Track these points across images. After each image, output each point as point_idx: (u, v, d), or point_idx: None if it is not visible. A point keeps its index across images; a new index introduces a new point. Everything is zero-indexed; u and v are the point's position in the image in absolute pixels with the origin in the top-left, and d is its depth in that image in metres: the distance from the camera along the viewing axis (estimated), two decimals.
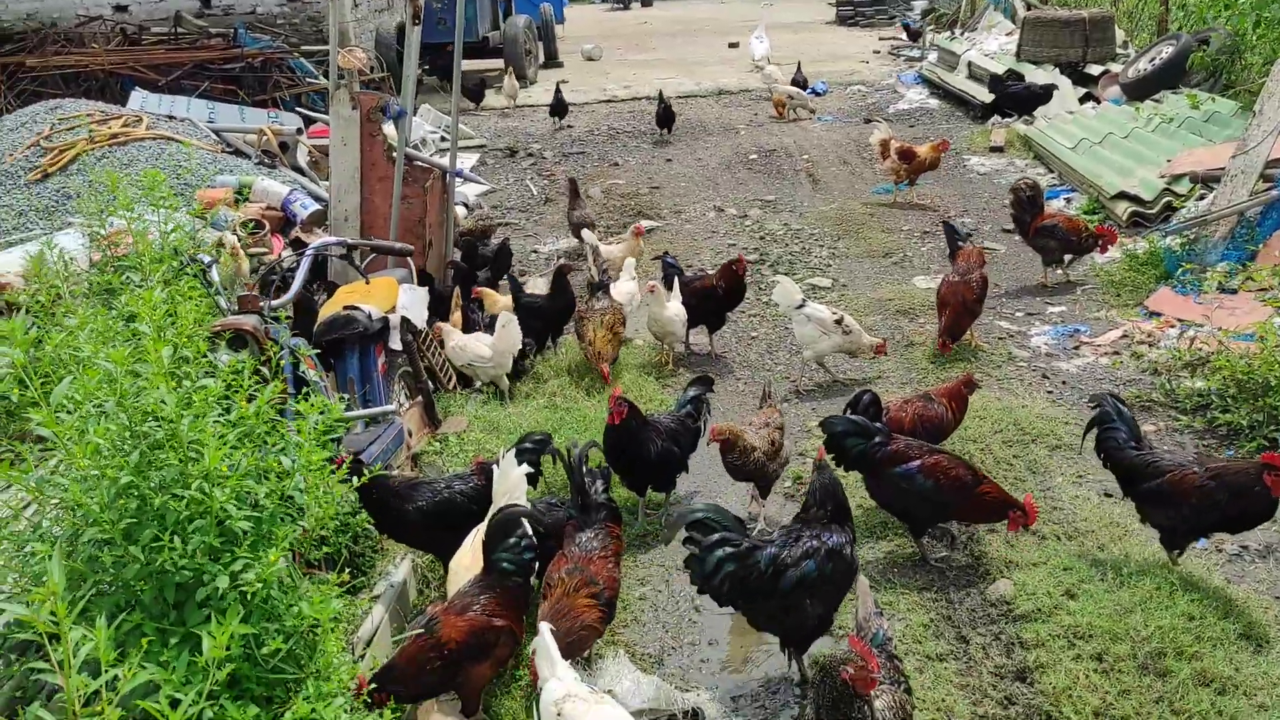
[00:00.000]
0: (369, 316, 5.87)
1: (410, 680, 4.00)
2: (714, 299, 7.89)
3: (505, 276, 8.97)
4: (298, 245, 11.23)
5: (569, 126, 17.01)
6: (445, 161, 9.97)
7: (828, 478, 4.56)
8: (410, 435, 6.32)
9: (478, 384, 7.50)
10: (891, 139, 11.58)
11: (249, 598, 3.64)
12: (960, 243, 7.86)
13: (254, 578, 3.51)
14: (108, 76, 17.81)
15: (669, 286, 7.96)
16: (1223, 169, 8.85)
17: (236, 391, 4.17)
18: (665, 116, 15.92)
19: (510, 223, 12.67)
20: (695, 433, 6.00)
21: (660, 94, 16.25)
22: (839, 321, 7.22)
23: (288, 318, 5.43)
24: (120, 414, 3.58)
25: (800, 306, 7.33)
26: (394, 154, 9.12)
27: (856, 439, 5.26)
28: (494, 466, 4.85)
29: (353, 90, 9.09)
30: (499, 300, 7.93)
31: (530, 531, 4.44)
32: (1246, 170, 8.44)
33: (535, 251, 11.55)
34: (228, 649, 3.49)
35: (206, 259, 5.10)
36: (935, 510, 5.19)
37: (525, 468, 4.66)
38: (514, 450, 4.96)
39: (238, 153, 13.92)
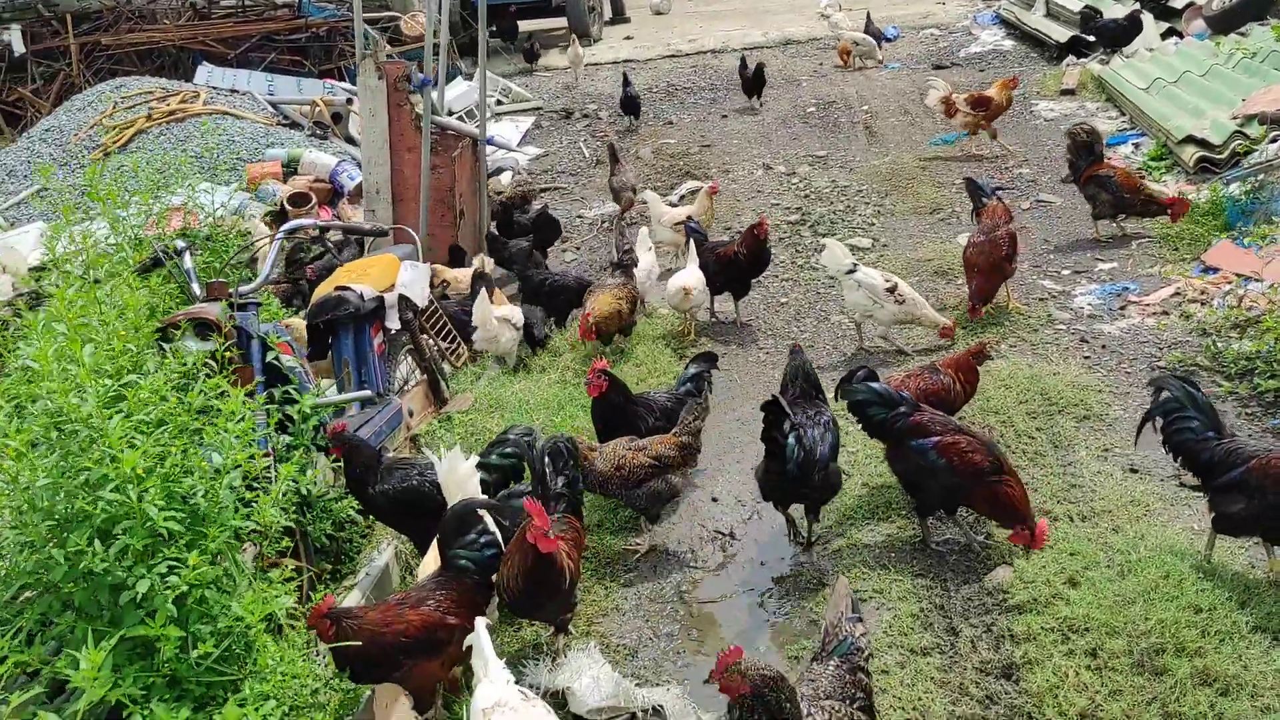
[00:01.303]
0: (361, 296, 5.79)
1: (359, 660, 3.92)
2: (736, 266, 7.62)
3: (535, 251, 8.72)
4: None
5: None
6: (475, 128, 9.84)
7: (800, 359, 5.34)
8: (411, 416, 6.25)
9: (490, 358, 7.43)
10: (952, 94, 10.99)
11: (186, 599, 3.61)
12: (985, 199, 7.39)
13: (178, 580, 3.46)
14: (179, 51, 18.07)
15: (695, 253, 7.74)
16: None
17: (189, 387, 4.15)
18: (754, 81, 14.17)
19: (559, 187, 12.51)
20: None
21: (743, 59, 14.55)
22: (892, 289, 6.86)
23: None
24: (43, 416, 3.55)
25: (851, 272, 7.00)
26: (421, 123, 9.04)
27: (879, 409, 4.98)
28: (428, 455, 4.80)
29: (378, 59, 9.00)
30: (461, 279, 7.61)
31: (492, 526, 4.31)
32: None
33: (580, 217, 11.38)
34: (156, 650, 3.50)
35: (180, 244, 5.05)
36: (945, 492, 4.89)
37: (474, 458, 4.52)
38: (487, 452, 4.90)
39: (293, 125, 14.03)
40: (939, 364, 5.68)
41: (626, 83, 14.24)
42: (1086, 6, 14.53)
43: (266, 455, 4.58)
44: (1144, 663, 3.99)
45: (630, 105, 14.13)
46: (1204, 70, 10.97)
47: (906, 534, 5.11)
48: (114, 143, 12.90)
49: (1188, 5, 14.05)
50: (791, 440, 4.76)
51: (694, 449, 5.24)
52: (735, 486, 5.75)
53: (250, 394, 4.62)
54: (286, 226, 5.20)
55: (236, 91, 14.87)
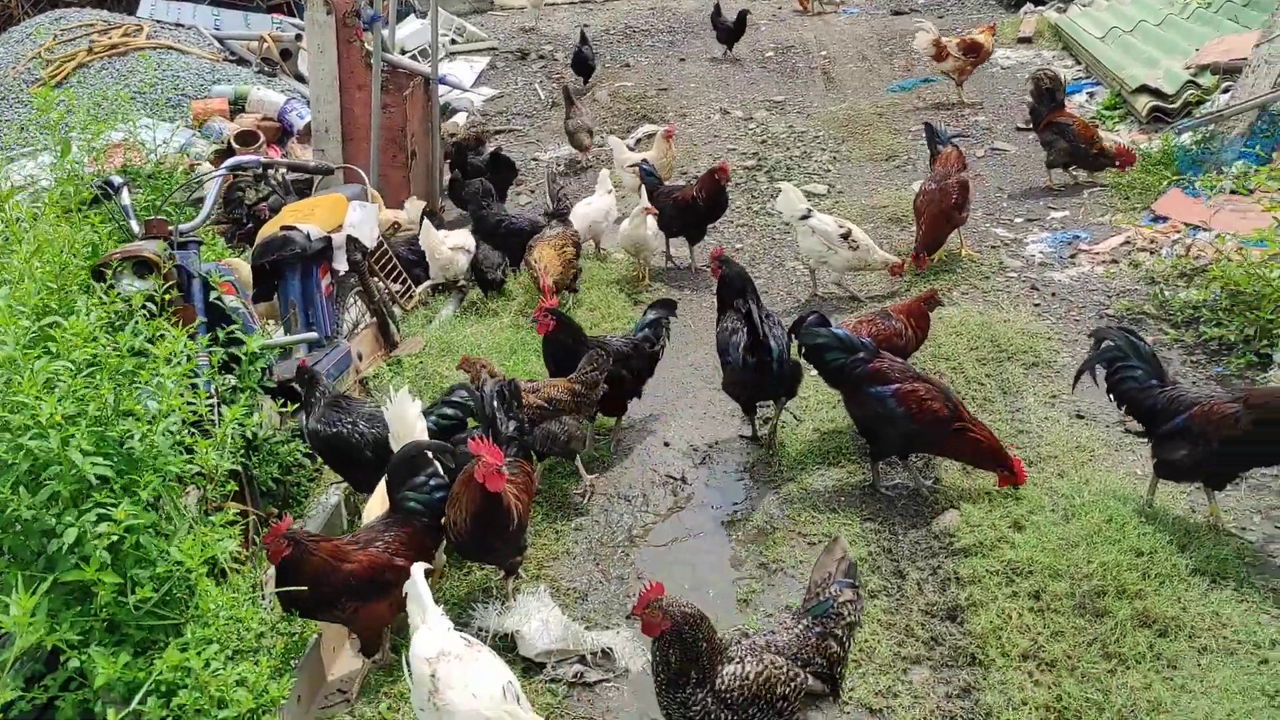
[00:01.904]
0: (308, 237, 5.67)
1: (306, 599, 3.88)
2: (694, 211, 7.56)
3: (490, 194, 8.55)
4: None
5: (585, 26, 16.44)
6: (427, 67, 9.62)
7: (735, 267, 5.71)
8: (360, 359, 6.16)
9: (448, 303, 7.35)
10: (942, 38, 10.89)
11: (121, 544, 3.54)
12: (940, 146, 7.37)
13: (107, 529, 3.38)
14: None
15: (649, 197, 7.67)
16: (1246, 59, 8.21)
17: (120, 328, 4.04)
18: (735, 30, 13.43)
19: (514, 129, 12.33)
20: (651, 358, 5.74)
21: (718, 6, 13.73)
22: (846, 235, 6.84)
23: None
24: None
25: (805, 217, 6.97)
26: (371, 61, 8.82)
27: (838, 353, 4.96)
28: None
29: None
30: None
31: (440, 470, 4.27)
32: (1270, 60, 7.81)
33: (535, 159, 11.23)
34: (93, 596, 3.43)
35: (117, 180, 4.90)
36: (903, 439, 4.91)
37: (419, 403, 4.45)
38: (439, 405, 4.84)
39: (241, 61, 13.66)
40: (891, 309, 5.68)
41: (583, 40, 13.11)
42: None
43: (210, 398, 4.50)
44: (1085, 605, 4.05)
45: (581, 64, 13.00)
46: (1159, 20, 11.00)
47: (856, 479, 5.13)
48: (52, 77, 12.49)
49: None
50: (772, 342, 5.11)
51: (588, 399, 5.15)
52: (688, 431, 5.75)
53: (192, 335, 4.53)
54: (229, 163, 5.04)
55: (182, 26, 14.43)
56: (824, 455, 5.34)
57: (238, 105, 11.90)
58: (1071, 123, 8.19)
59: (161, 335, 4.00)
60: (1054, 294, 6.75)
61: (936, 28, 11.29)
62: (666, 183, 8.24)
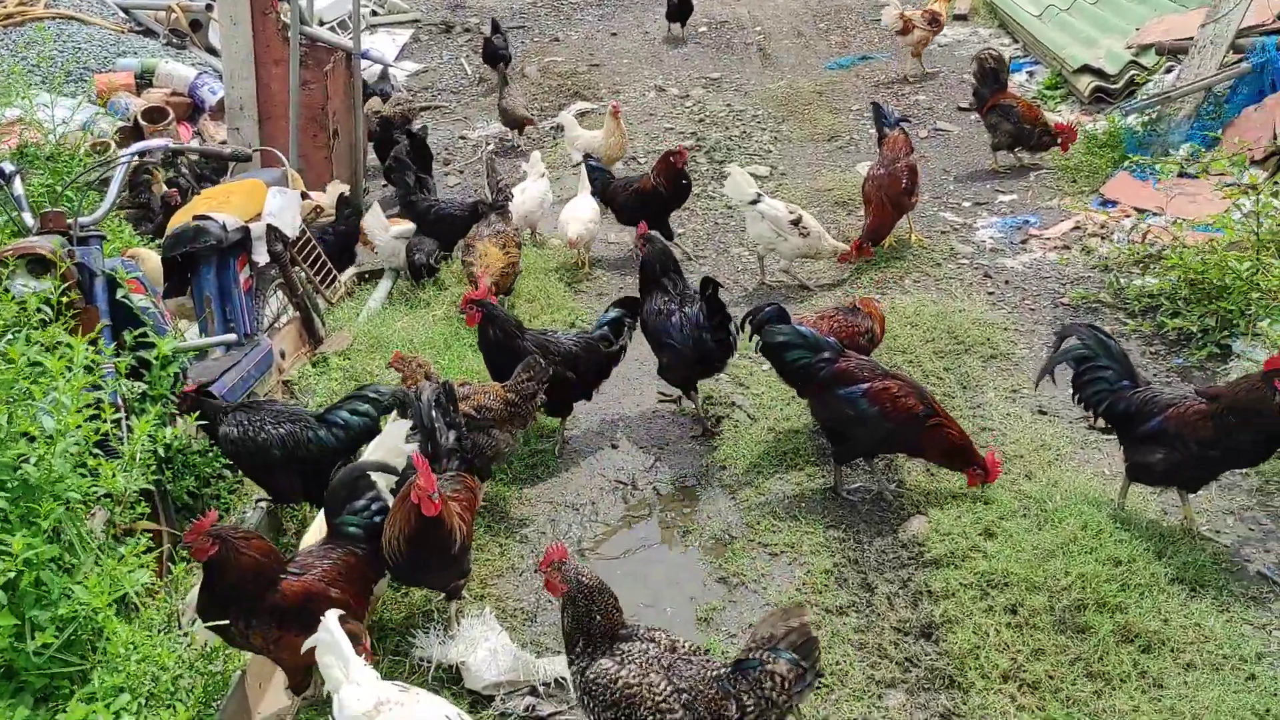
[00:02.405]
0: (223, 227, 5.22)
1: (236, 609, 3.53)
2: (657, 199, 7.15)
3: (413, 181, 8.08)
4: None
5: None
6: (349, 41, 9.12)
7: (660, 244, 5.59)
8: (284, 357, 5.75)
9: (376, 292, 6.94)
10: (905, 10, 10.62)
11: (19, 581, 3.14)
12: (887, 129, 7.11)
13: (2, 566, 2.99)
14: None
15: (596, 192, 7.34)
16: (1191, 39, 8.12)
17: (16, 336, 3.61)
18: (682, 7, 12.73)
19: (439, 106, 11.86)
20: (606, 358, 5.38)
21: None
22: (796, 221, 6.57)
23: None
24: None
25: (755, 202, 6.67)
26: (289, 34, 8.30)
27: (801, 352, 4.67)
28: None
29: None
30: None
31: (385, 494, 3.91)
32: (1216, 40, 7.72)
33: (463, 138, 10.78)
34: None
35: (9, 168, 4.41)
36: (876, 440, 4.65)
37: (411, 443, 4.09)
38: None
39: (148, 32, 12.93)
40: (860, 303, 5.40)
41: (494, 29, 11.88)
42: None
43: (116, 411, 4.08)
44: (1065, 620, 3.85)
45: (491, 55, 11.74)
46: None
47: (817, 483, 4.88)
48: None
49: None
50: (733, 326, 5.15)
51: (522, 411, 4.71)
52: (636, 432, 5.45)
53: (95, 341, 4.10)
54: (134, 148, 4.59)
55: None
56: (781, 457, 5.08)
57: (145, 80, 11.21)
58: (1016, 104, 8.03)
59: (58, 344, 3.59)
60: (1007, 281, 6.57)
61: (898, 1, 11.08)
62: (618, 164, 7.93)
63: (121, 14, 13.05)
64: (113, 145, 9.52)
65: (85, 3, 13.09)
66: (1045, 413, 5.25)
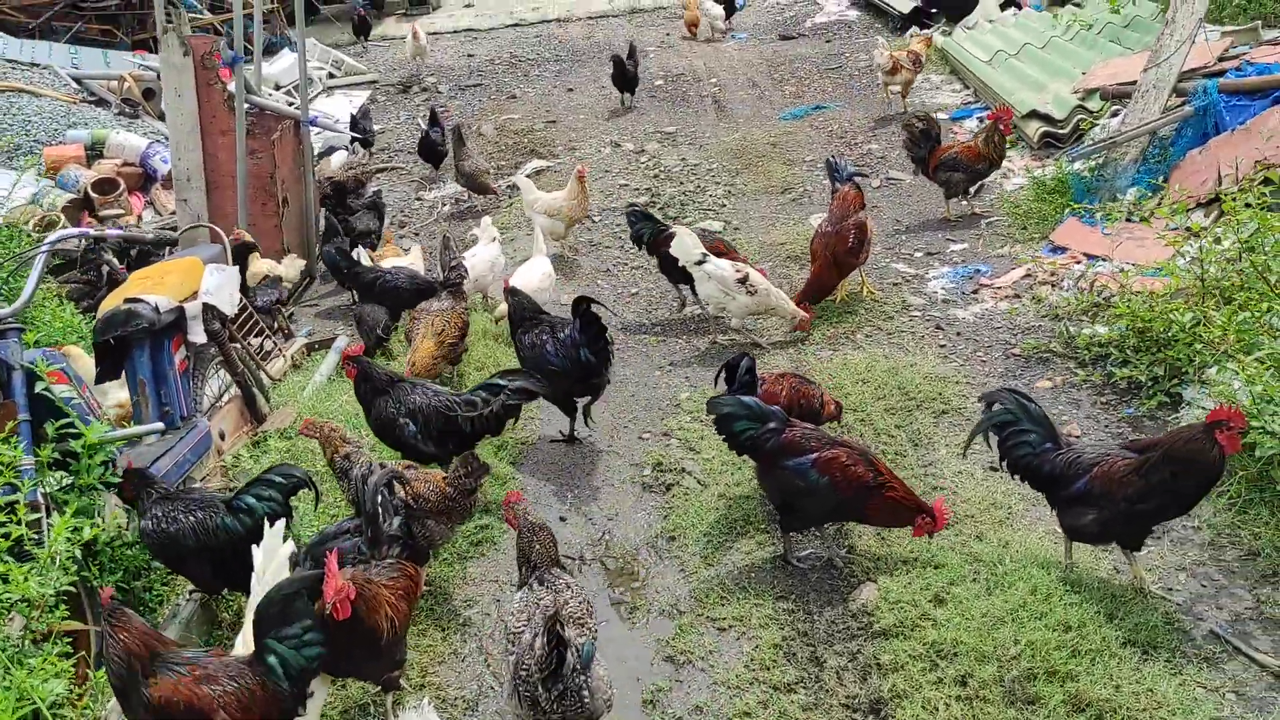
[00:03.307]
0: (155, 309, 5.11)
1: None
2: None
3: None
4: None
5: (470, 56, 15.98)
6: (296, 109, 9.08)
7: (522, 296, 6.12)
8: (223, 438, 5.63)
9: (322, 365, 6.82)
10: (893, 53, 10.79)
11: None
12: (839, 184, 7.10)
13: None
14: None
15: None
16: (1135, 83, 8.19)
17: None
18: (625, 77, 12.31)
19: (397, 167, 11.83)
20: (460, 423, 5.17)
21: (627, 51, 12.56)
22: (743, 280, 6.53)
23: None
24: None
25: (700, 263, 6.66)
26: (235, 104, 8.26)
27: (747, 423, 4.57)
28: None
29: (182, 34, 8.16)
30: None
31: (313, 622, 3.51)
32: (1159, 85, 7.78)
33: (420, 199, 10.74)
34: None
35: None
36: (827, 511, 4.56)
37: (290, 545, 3.89)
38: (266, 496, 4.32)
39: (101, 102, 12.90)
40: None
41: (432, 121, 11.02)
42: None
43: (35, 509, 3.96)
44: (1015, 691, 3.76)
45: (429, 150, 10.93)
46: (1043, 43, 11.03)
47: (767, 550, 4.79)
48: None
49: None
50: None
51: (459, 506, 4.57)
52: (584, 502, 5.35)
53: (9, 437, 3.99)
54: (53, 237, 4.51)
55: (37, 65, 13.57)
56: (731, 525, 4.99)
57: (96, 151, 11.16)
58: (957, 152, 8.04)
59: None
60: (959, 333, 6.54)
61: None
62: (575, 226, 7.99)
63: (74, 85, 13.03)
64: (61, 219, 9.44)
65: (37, 75, 13.06)
66: (996, 469, 5.12)
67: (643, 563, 4.86)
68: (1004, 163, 8.15)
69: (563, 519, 5.22)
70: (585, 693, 3.45)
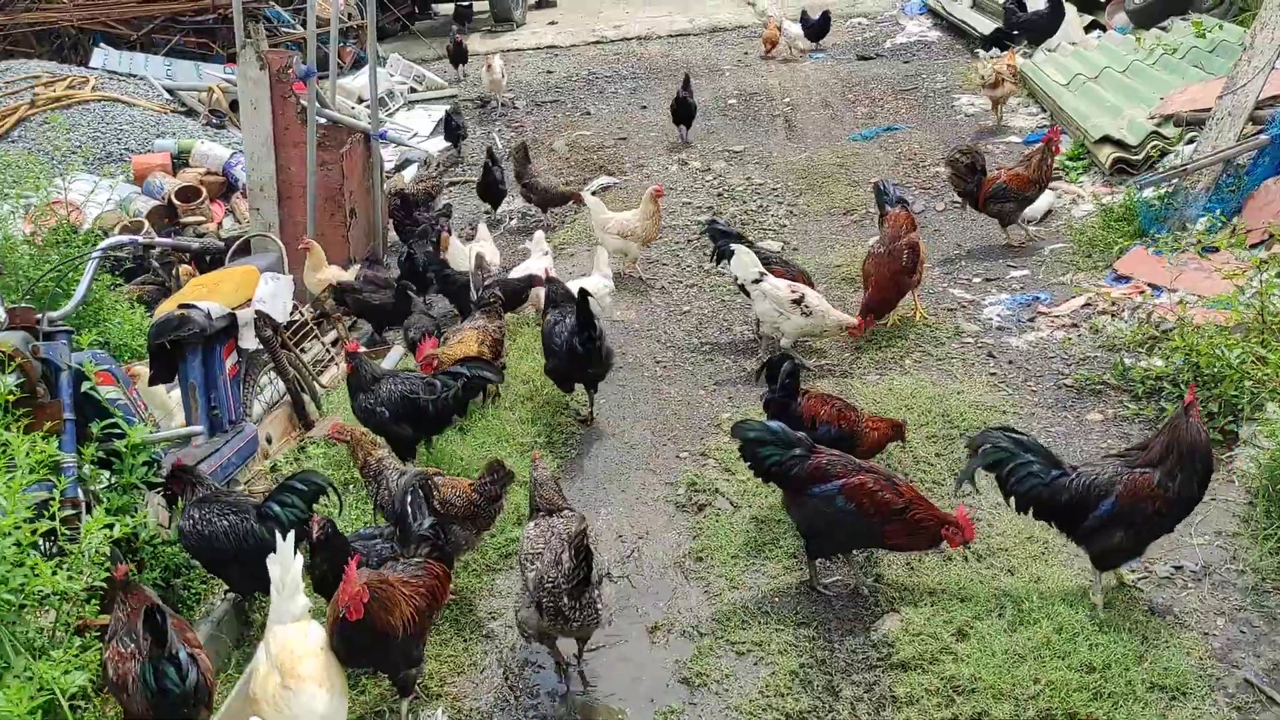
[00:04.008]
0: (208, 315, 5.29)
1: None
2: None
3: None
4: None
5: (549, 73, 16.16)
6: (366, 123, 9.31)
7: (559, 285, 6.57)
8: (270, 442, 5.78)
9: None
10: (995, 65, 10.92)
11: None
12: (889, 206, 7.02)
13: None
14: (79, 33, 17.18)
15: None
16: (1210, 110, 7.94)
17: None
18: (684, 109, 11.67)
19: (470, 180, 11.99)
20: (422, 404, 5.49)
21: (686, 80, 11.83)
22: (798, 301, 6.51)
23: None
24: None
25: (758, 281, 6.66)
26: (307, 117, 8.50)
27: (773, 449, 4.53)
28: None
29: (260, 48, 8.43)
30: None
31: None
32: (1234, 112, 7.54)
33: (487, 213, 10.89)
34: None
35: None
36: (854, 537, 4.51)
37: (300, 559, 3.96)
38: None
39: (190, 112, 13.36)
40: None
41: (492, 159, 10.51)
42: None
43: (75, 505, 4.12)
44: None
45: (490, 189, 10.40)
46: (1124, 67, 10.77)
47: (793, 576, 4.75)
48: None
49: None
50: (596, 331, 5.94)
51: (485, 514, 4.75)
52: (617, 519, 5.36)
53: (54, 434, 4.15)
54: (105, 243, 4.70)
55: (134, 76, 14.13)
56: (759, 548, 4.96)
57: (182, 159, 11.57)
58: (1006, 182, 7.85)
59: (4, 444, 3.64)
60: (1011, 362, 6.41)
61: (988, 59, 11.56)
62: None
63: (166, 95, 13.52)
64: (146, 225, 9.80)
65: (132, 86, 13.58)
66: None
67: (669, 582, 4.85)
68: (1063, 186, 7.97)
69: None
70: (600, 605, 3.96)
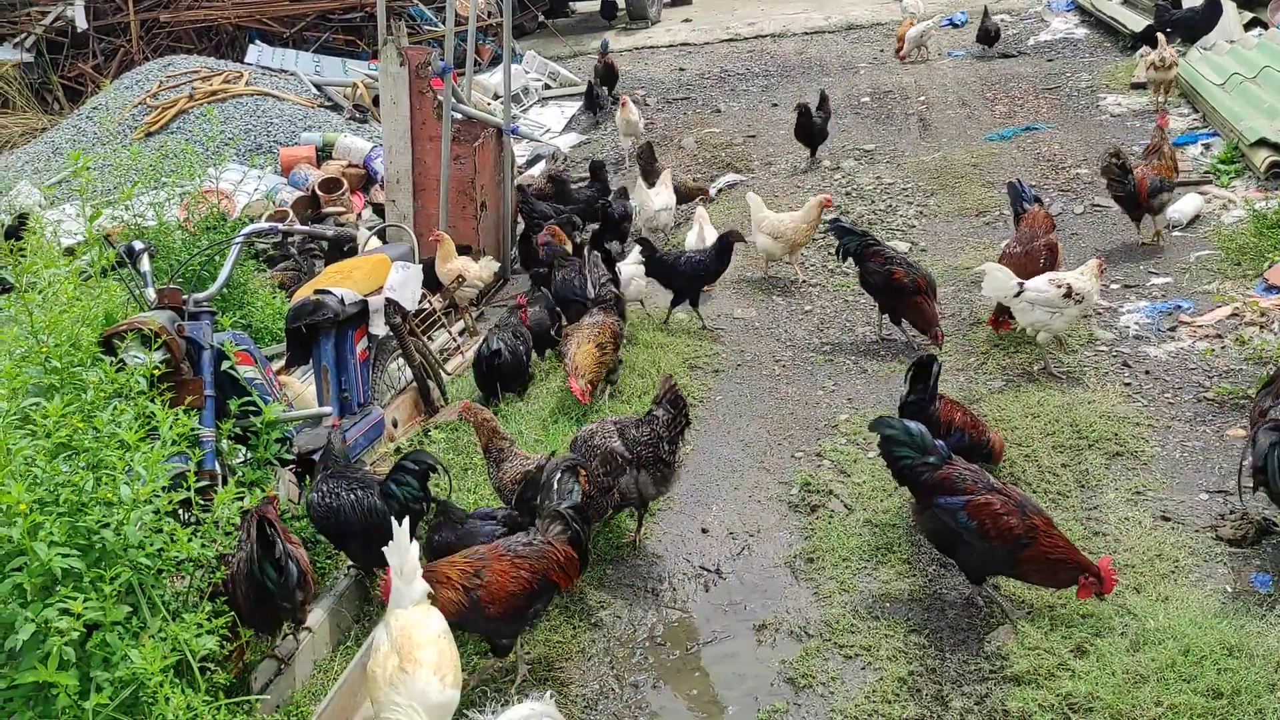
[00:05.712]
0: (341, 301, 5.50)
1: None
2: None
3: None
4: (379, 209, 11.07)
5: (681, 70, 16.19)
6: (499, 118, 9.50)
7: (556, 248, 7.30)
8: (395, 426, 5.96)
9: None
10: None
11: (88, 640, 3.35)
12: (1026, 205, 6.77)
13: (67, 624, 3.19)
14: (236, 30, 18.03)
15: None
16: None
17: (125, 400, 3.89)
18: (810, 130, 10.84)
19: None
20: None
21: (823, 95, 11.08)
22: (1067, 294, 6.01)
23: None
24: None
25: (1019, 294, 6.12)
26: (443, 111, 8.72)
27: (908, 451, 4.44)
28: None
29: (400, 45, 8.70)
30: (478, 273, 7.33)
31: None
32: None
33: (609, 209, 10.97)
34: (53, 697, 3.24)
35: (138, 245, 4.80)
36: (981, 558, 4.31)
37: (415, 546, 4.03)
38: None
39: (335, 107, 13.85)
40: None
41: (595, 174, 10.29)
42: None
43: (206, 477, 4.32)
44: None
45: (607, 219, 9.23)
46: None
47: (906, 582, 4.66)
48: (154, 123, 12.84)
49: None
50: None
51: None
52: (729, 516, 5.35)
53: (195, 409, 4.37)
54: (245, 230, 4.92)
55: (285, 71, 14.74)
56: (873, 552, 4.88)
57: (326, 152, 12.03)
58: (1159, 175, 7.52)
59: (150, 415, 3.84)
60: (1147, 372, 6.15)
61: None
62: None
63: (314, 90, 14.04)
64: (290, 214, 10.23)
65: (282, 81, 14.16)
66: (1169, 519, 4.85)
67: (778, 582, 4.82)
68: (1213, 190, 7.70)
69: (704, 530, 5.25)
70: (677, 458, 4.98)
